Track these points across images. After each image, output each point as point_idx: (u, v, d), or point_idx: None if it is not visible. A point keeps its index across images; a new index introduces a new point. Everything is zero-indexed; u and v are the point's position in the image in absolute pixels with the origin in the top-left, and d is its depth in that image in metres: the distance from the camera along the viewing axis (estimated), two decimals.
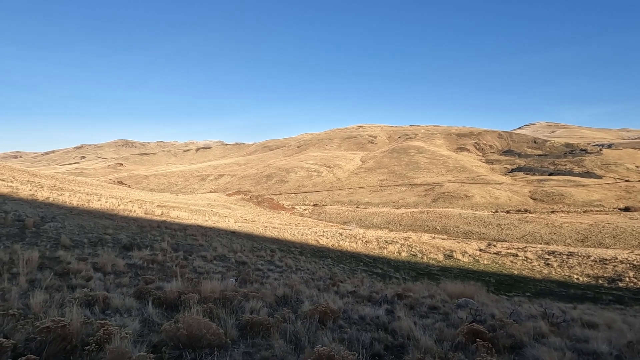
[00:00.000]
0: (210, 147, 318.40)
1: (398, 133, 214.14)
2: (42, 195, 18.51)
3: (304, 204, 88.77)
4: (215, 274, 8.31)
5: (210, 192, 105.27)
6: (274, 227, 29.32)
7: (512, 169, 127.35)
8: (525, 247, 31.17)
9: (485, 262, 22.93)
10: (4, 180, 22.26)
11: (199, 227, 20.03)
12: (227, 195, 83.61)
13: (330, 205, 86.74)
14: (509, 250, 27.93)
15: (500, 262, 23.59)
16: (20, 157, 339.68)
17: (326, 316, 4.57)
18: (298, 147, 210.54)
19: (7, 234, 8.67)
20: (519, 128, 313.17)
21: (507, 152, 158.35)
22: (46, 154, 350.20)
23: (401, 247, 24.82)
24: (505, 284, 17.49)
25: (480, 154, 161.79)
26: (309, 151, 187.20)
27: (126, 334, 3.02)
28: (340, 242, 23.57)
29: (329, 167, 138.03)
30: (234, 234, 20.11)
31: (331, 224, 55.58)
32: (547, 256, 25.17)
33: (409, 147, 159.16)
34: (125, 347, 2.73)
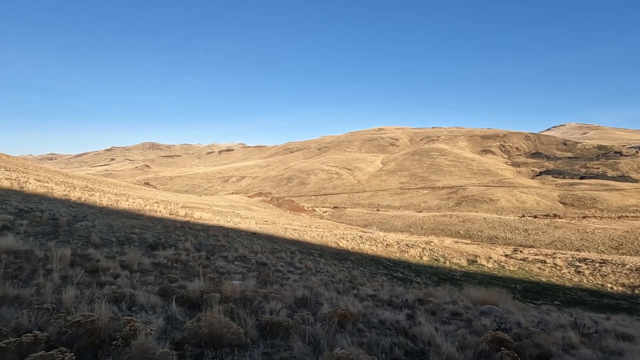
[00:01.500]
0: (232, 150, 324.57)
1: (420, 135, 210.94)
2: (75, 195, 19.40)
3: (324, 206, 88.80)
4: (236, 275, 8.44)
5: (232, 193, 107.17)
6: (294, 229, 29.49)
7: (540, 172, 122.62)
8: (554, 253, 29.91)
9: (511, 269, 22.17)
10: (40, 181, 23.49)
11: (221, 227, 20.41)
12: (248, 196, 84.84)
13: (350, 207, 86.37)
14: (536, 257, 26.89)
15: (527, 268, 22.74)
16: (55, 159, 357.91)
17: (345, 319, 4.55)
18: (318, 149, 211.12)
19: (43, 231, 9.13)
20: (548, 130, 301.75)
21: (535, 154, 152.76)
22: (79, 156, 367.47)
23: (422, 251, 24.38)
24: (532, 291, 16.83)
25: (506, 156, 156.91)
26: (329, 153, 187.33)
27: (151, 330, 3.12)
28: (360, 245, 23.41)
29: (349, 170, 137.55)
30: (254, 235, 20.37)
31: (351, 226, 55.31)
32: (578, 263, 24.06)
33: (431, 150, 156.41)
34: (150, 343, 2.82)
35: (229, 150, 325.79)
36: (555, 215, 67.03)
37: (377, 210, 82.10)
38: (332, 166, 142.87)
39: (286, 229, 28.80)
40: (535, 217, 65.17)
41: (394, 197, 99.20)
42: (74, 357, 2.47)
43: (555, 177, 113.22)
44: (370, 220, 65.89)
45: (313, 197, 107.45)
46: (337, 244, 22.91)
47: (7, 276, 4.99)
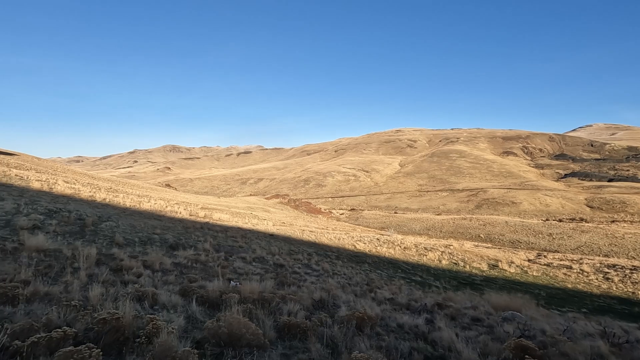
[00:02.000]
0: (250, 152, 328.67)
1: (438, 137, 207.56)
2: (100, 196, 20.10)
3: (341, 209, 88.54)
4: (254, 275, 8.53)
5: (250, 195, 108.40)
6: (311, 231, 29.54)
7: (566, 174, 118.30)
8: (581, 258, 28.77)
9: (534, 274, 21.46)
10: (68, 183, 24.46)
11: (239, 229, 20.68)
12: (266, 198, 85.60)
13: (368, 210, 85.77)
14: (561, 262, 25.93)
15: (551, 274, 21.96)
16: (82, 161, 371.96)
17: (363, 322, 4.52)
18: (335, 151, 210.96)
19: (70, 231, 9.50)
20: (573, 130, 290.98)
21: (560, 156, 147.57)
22: (104, 158, 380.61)
23: (442, 254, 23.93)
24: (557, 298, 16.23)
25: (529, 158, 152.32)
26: (346, 155, 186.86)
27: (172, 329, 3.19)
28: (378, 248, 23.21)
29: (367, 172, 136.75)
30: (272, 236, 20.52)
31: (368, 229, 54.91)
32: (606, 270, 23.05)
33: (450, 151, 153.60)
34: (172, 341, 2.88)
35: (247, 152, 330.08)
36: (581, 219, 64.48)
37: (395, 212, 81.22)
38: (349, 168, 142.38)
39: (303, 230, 28.88)
40: (560, 221, 62.90)
41: (412, 199, 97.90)
42: (101, 353, 2.55)
43: (582, 180, 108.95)
44: (387, 222, 65.23)
45: (330, 199, 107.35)
46: (354, 246, 22.79)
47: (37, 273, 5.22)
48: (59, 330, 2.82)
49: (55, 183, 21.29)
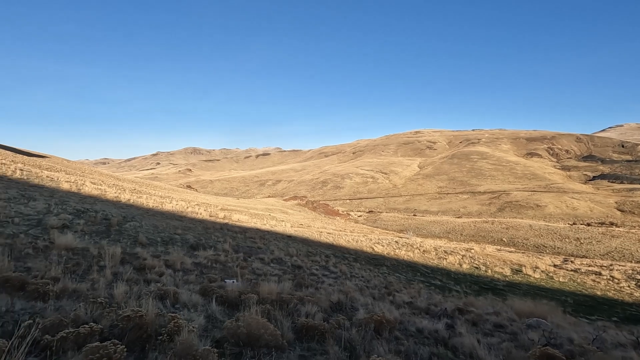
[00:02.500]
0: (268, 154, 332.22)
1: (459, 138, 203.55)
2: (124, 197, 20.77)
3: (359, 211, 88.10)
4: (272, 276, 8.59)
5: (268, 196, 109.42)
6: (328, 233, 29.52)
7: (594, 177, 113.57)
8: (611, 265, 27.50)
9: (560, 280, 20.67)
10: (94, 184, 25.42)
11: (258, 230, 20.90)
12: (284, 200, 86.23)
13: (386, 212, 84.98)
14: (590, 268, 24.87)
15: (579, 280, 21.09)
16: (108, 163, 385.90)
17: (382, 326, 4.47)
18: (353, 153, 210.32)
19: (97, 230, 9.86)
20: (602, 131, 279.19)
21: (588, 157, 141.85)
22: (128, 160, 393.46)
23: (462, 258, 23.41)
24: (585, 305, 15.56)
25: (554, 159, 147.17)
26: (364, 157, 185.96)
27: (193, 327, 3.25)
28: (396, 251, 22.94)
29: (385, 174, 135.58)
30: (290, 238, 20.63)
31: (387, 231, 54.38)
32: (639, 277, 21.93)
33: (471, 153, 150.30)
34: (192, 340, 2.94)
35: (265, 154, 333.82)
36: (611, 224, 61.66)
37: (414, 215, 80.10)
38: (367, 170, 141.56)
39: (321, 232, 28.90)
40: (588, 225, 60.37)
41: (432, 201, 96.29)
42: (125, 350, 2.63)
43: (612, 182, 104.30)
44: (406, 225, 64.41)
45: (348, 201, 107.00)
46: (372, 248, 22.61)
47: (66, 271, 5.44)
48: (86, 326, 2.93)
49: (83, 184, 22.15)
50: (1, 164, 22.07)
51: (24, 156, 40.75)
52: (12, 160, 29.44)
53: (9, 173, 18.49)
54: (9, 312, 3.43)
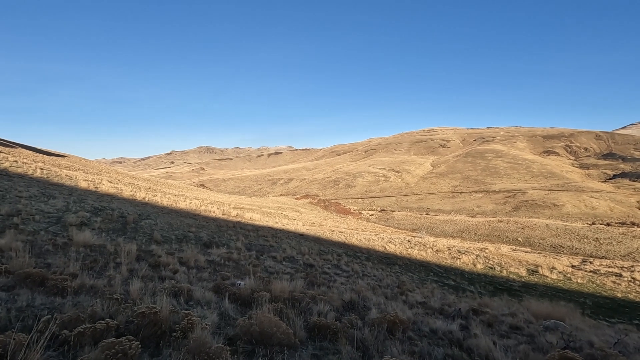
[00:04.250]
0: (280, 153, 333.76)
1: (473, 136, 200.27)
2: (140, 195, 21.17)
3: (371, 209, 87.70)
4: (284, 275, 8.61)
5: (281, 195, 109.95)
6: (340, 232, 29.46)
7: (614, 175, 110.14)
8: (632, 266, 26.62)
9: (579, 281, 20.12)
10: (111, 182, 25.99)
11: (270, 228, 21.01)
12: (296, 198, 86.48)
13: (398, 211, 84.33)
14: (610, 269, 24.14)
15: (598, 281, 20.50)
16: (124, 162, 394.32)
17: (395, 326, 4.42)
18: (365, 151, 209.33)
19: (113, 228, 10.07)
20: (623, 128, 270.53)
21: (608, 155, 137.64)
22: (143, 159, 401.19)
23: (476, 258, 23.03)
24: (605, 307, 15.10)
25: (573, 157, 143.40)
26: (376, 156, 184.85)
27: (206, 325, 3.27)
28: (409, 250, 22.73)
29: (397, 172, 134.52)
30: (302, 236, 20.67)
31: (399, 230, 53.97)
32: None
33: (486, 151, 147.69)
34: (206, 337, 2.96)
35: (277, 153, 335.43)
36: (633, 224, 59.69)
37: (427, 214, 79.27)
38: (380, 168, 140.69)
39: (333, 231, 28.87)
40: (608, 224, 58.62)
41: (445, 200, 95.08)
42: (139, 345, 2.66)
43: (634, 181, 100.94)
44: (419, 224, 63.79)
45: (360, 199, 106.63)
46: (385, 247, 22.46)
47: (84, 267, 5.57)
48: (103, 321, 2.98)
49: (100, 183, 22.67)
50: (23, 163, 22.77)
51: (44, 155, 41.97)
52: (33, 160, 30.35)
53: (30, 172, 19.06)
54: (30, 306, 3.52)
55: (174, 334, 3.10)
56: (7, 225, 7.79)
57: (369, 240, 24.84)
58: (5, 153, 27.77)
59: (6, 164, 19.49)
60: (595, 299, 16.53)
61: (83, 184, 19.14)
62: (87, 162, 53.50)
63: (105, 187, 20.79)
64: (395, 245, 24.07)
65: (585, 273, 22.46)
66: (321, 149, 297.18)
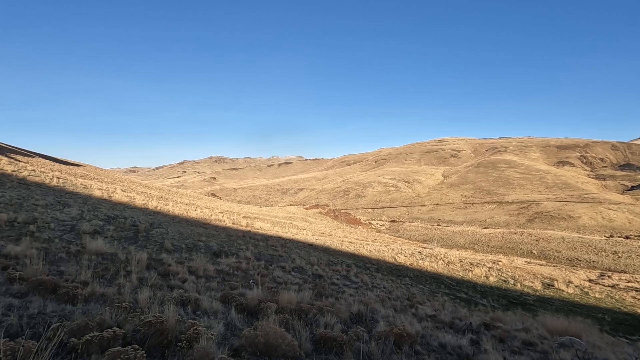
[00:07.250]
0: (291, 162, 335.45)
1: (485, 146, 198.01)
2: (152, 204, 21.48)
3: (381, 220, 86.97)
4: (292, 285, 8.57)
5: (290, 205, 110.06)
6: (350, 242, 29.26)
7: (633, 187, 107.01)
8: None
9: (596, 296, 19.48)
10: (124, 191, 26.47)
11: (279, 238, 21.01)
12: (305, 208, 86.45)
13: (409, 221, 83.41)
14: (630, 284, 23.33)
15: (617, 296, 19.80)
16: (137, 171, 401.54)
17: (402, 339, 4.35)
18: (375, 161, 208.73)
19: (125, 236, 10.22)
20: None
21: (625, 166, 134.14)
22: (156, 169, 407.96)
23: (489, 270, 22.54)
24: (625, 324, 14.55)
25: (588, 168, 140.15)
26: (386, 166, 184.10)
27: (212, 335, 3.28)
28: (420, 261, 22.40)
29: (408, 182, 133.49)
30: (311, 246, 20.60)
31: (409, 241, 53.30)
32: None
33: (498, 161, 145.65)
34: (210, 348, 2.96)
35: (287, 163, 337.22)
36: None
37: (438, 225, 78.17)
38: (390, 179, 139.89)
39: (342, 241, 28.69)
40: (627, 237, 56.80)
41: (457, 211, 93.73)
42: (145, 355, 2.68)
43: None
44: (430, 235, 62.90)
45: (370, 210, 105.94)
46: (395, 259, 22.19)
47: (95, 275, 5.66)
48: (110, 330, 3.02)
49: (114, 191, 23.11)
50: (40, 172, 23.42)
51: (61, 165, 43.10)
52: (50, 169, 31.19)
53: (47, 181, 19.57)
54: (41, 314, 3.59)
55: (180, 343, 3.12)
56: (23, 233, 7.99)
57: (379, 251, 24.59)
58: (24, 162, 28.62)
59: (25, 173, 20.07)
60: (615, 315, 15.95)
61: (97, 193, 19.55)
62: (102, 171, 54.68)
63: (119, 195, 21.18)
64: (405, 256, 23.77)
65: (604, 287, 21.75)
66: (331, 159, 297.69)
